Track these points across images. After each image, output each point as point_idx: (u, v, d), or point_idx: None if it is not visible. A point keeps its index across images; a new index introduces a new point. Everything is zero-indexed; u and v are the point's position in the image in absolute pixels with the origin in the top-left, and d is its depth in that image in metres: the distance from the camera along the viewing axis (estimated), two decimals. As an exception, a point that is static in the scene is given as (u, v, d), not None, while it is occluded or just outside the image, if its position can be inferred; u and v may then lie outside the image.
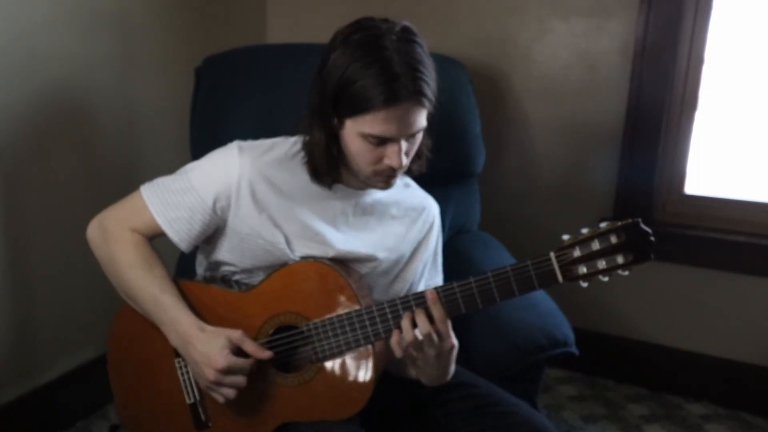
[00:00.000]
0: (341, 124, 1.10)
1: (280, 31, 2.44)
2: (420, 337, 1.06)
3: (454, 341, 1.11)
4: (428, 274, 1.33)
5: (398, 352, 1.09)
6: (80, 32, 1.79)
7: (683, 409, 2.11)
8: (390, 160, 1.09)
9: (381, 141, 1.08)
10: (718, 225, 2.06)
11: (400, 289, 1.29)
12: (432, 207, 1.32)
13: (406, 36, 1.07)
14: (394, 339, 1.09)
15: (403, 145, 1.09)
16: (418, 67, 1.05)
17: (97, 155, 1.92)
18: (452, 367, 1.16)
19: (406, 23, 1.09)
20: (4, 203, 1.69)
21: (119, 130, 1.97)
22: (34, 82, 1.70)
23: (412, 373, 1.18)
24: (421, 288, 1.31)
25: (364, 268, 1.23)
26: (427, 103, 1.07)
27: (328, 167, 1.16)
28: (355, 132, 1.08)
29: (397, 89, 1.03)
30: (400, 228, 1.27)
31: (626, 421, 2.05)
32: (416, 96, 1.05)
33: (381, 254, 1.23)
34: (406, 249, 1.28)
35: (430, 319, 1.07)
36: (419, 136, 1.13)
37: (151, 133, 2.06)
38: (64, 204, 1.82)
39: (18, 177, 1.71)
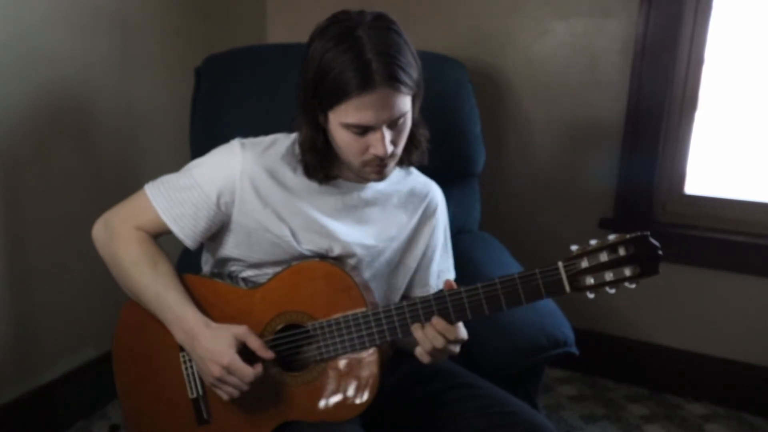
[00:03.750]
0: (326, 117, 1.10)
1: (280, 31, 2.44)
2: (439, 345, 1.08)
3: (464, 335, 1.11)
4: (440, 259, 1.33)
5: (426, 359, 1.10)
6: (80, 32, 1.79)
7: (683, 409, 2.11)
8: (375, 149, 1.08)
9: (363, 130, 1.07)
10: (718, 225, 2.06)
11: (405, 275, 1.29)
12: (434, 191, 1.32)
13: (380, 24, 1.06)
14: (418, 351, 1.10)
15: (387, 132, 1.08)
16: (391, 52, 1.03)
17: (97, 155, 1.92)
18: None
19: (382, 12, 1.08)
20: (4, 203, 1.69)
21: (119, 130, 1.97)
22: (34, 82, 1.70)
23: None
24: (433, 272, 1.31)
25: (368, 258, 1.23)
26: (404, 89, 1.06)
27: (318, 162, 1.16)
28: (337, 123, 1.08)
29: (369, 75, 1.02)
30: (403, 216, 1.27)
31: (626, 421, 2.05)
32: (390, 81, 1.03)
33: (383, 244, 1.24)
34: (410, 236, 1.28)
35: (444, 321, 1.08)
36: (405, 123, 1.11)
37: (151, 133, 2.06)
38: (64, 204, 1.82)
39: (18, 177, 1.71)
